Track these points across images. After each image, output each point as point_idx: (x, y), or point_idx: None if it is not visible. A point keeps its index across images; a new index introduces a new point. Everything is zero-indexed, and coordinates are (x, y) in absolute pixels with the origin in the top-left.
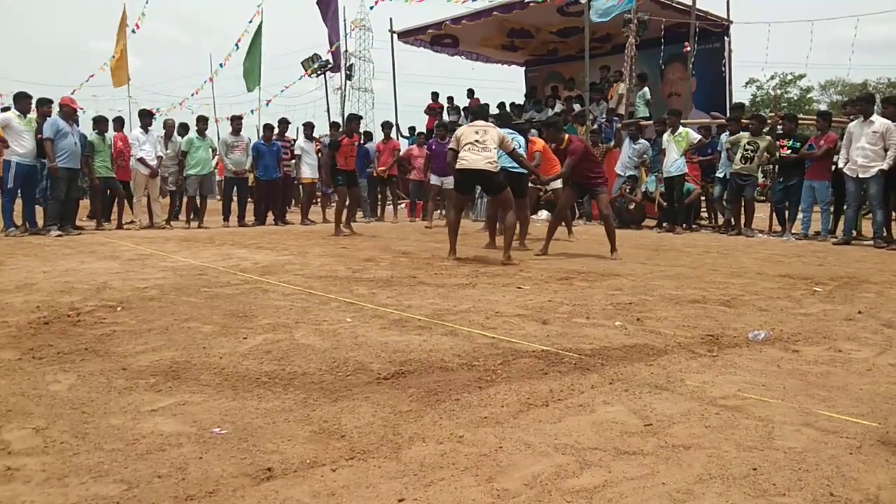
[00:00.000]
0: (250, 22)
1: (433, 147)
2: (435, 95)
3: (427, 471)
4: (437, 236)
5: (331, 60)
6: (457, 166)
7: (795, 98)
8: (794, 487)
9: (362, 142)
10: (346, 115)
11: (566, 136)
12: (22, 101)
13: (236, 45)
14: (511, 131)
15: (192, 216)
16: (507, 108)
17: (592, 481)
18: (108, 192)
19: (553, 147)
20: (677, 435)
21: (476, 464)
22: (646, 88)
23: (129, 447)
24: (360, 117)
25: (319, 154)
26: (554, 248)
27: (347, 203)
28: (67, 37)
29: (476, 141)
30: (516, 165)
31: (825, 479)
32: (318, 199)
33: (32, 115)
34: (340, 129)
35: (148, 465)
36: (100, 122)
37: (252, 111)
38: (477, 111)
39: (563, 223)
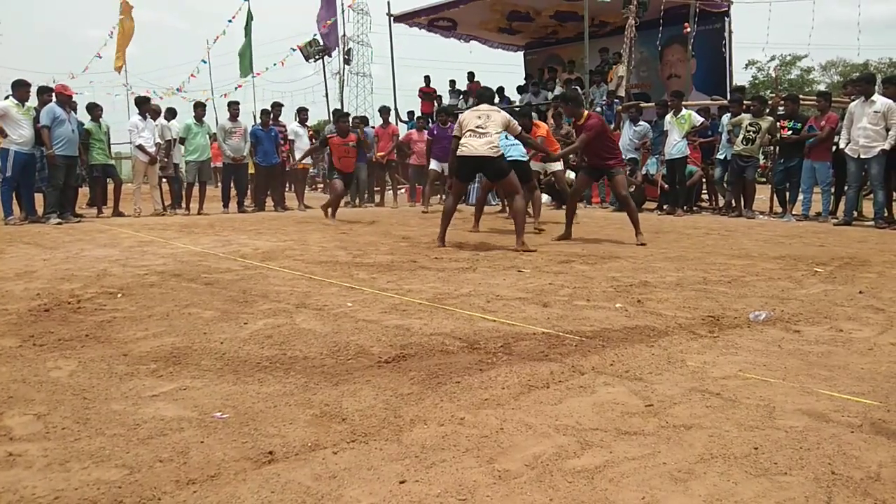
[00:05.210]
0: (245, 0)
1: (435, 132)
2: (427, 79)
3: (428, 452)
4: (437, 221)
5: (323, 42)
6: (457, 153)
7: (796, 79)
8: (795, 466)
9: (360, 140)
10: (332, 112)
11: (585, 111)
12: (20, 89)
13: (229, 21)
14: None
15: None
16: (505, 93)
17: (593, 461)
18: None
19: (571, 122)
20: (678, 415)
21: (477, 445)
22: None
23: (130, 432)
24: (347, 114)
25: (312, 140)
26: (555, 232)
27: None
28: (64, 25)
29: (478, 127)
30: (515, 155)
31: (826, 457)
32: (316, 184)
33: (30, 103)
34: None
35: (149, 449)
36: (95, 109)
37: (235, 88)
38: (482, 94)
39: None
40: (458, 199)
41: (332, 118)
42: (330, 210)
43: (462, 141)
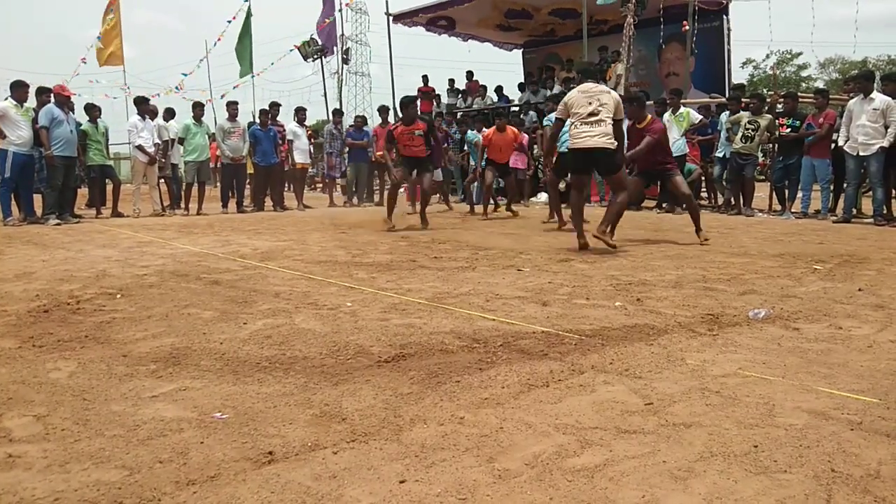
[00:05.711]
0: (245, 1)
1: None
2: (426, 78)
3: (428, 452)
4: (436, 220)
5: (321, 42)
6: (570, 145)
7: (791, 76)
8: (795, 464)
9: (430, 127)
10: (399, 101)
11: (649, 115)
12: (18, 89)
13: (229, 21)
14: None
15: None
16: (504, 91)
17: (593, 460)
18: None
19: (630, 124)
20: (678, 413)
21: (477, 444)
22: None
23: (130, 433)
24: (413, 99)
25: (311, 140)
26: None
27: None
28: (65, 26)
29: (590, 114)
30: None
31: (826, 455)
32: (315, 184)
33: (29, 103)
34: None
35: (149, 450)
36: (92, 110)
37: (234, 87)
38: (585, 70)
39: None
40: (583, 193)
41: (331, 117)
42: (386, 213)
43: (573, 132)
